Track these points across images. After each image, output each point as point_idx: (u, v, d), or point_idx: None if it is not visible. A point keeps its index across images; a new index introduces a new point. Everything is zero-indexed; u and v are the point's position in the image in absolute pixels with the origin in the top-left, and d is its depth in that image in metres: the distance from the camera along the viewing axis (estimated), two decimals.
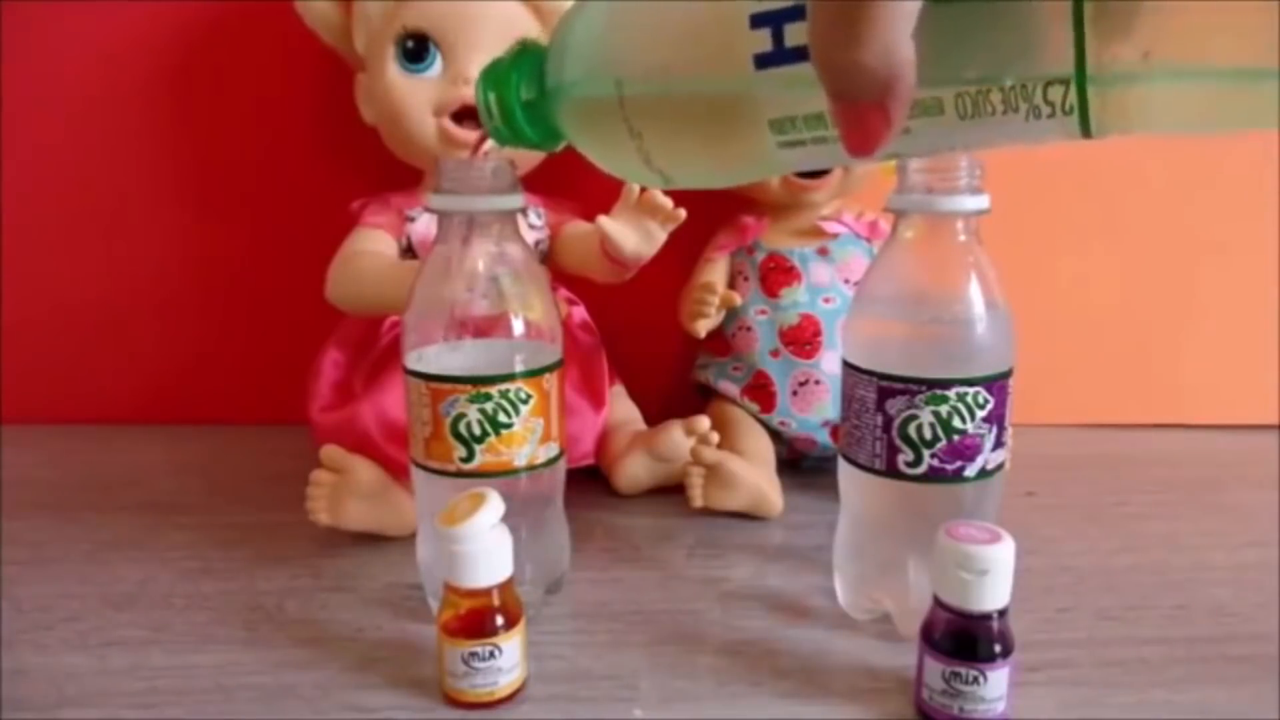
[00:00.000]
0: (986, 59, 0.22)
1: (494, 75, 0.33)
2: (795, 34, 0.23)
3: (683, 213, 0.50)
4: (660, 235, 0.51)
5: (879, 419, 0.40)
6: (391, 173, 0.61)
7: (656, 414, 0.60)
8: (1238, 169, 0.69)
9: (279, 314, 0.71)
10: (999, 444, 0.40)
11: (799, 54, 0.23)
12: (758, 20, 0.24)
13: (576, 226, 0.59)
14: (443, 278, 0.41)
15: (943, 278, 0.40)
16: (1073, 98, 0.21)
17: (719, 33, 0.25)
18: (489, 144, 0.36)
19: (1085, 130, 0.21)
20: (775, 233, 0.62)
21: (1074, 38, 0.20)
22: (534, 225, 0.59)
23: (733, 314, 0.61)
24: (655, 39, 0.27)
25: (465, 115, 0.55)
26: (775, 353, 0.60)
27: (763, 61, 0.24)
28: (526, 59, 0.32)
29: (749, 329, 0.61)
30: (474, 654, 0.36)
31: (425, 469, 0.42)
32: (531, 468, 0.42)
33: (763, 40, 0.24)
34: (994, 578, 0.34)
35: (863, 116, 0.22)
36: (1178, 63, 0.19)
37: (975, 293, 0.39)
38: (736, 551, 0.52)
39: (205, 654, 0.41)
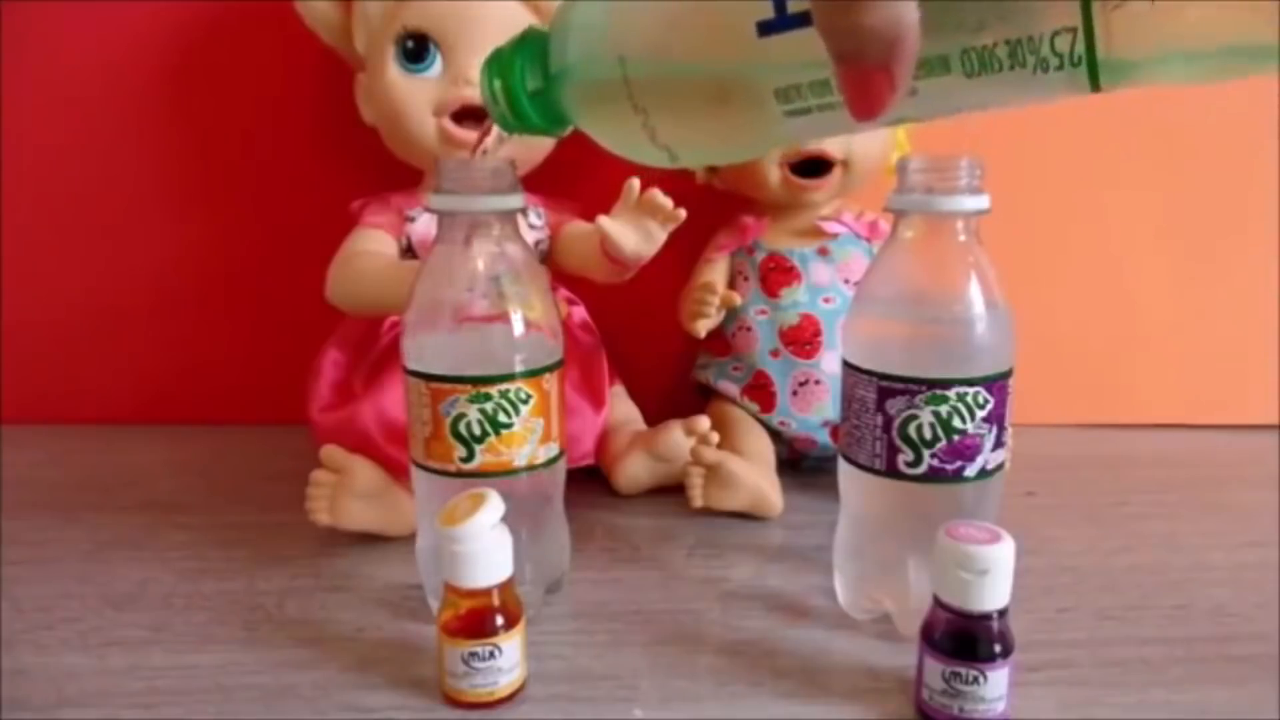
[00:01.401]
0: (992, 13, 0.21)
1: (498, 62, 0.33)
2: None
3: (683, 213, 0.50)
4: (660, 235, 0.51)
5: (879, 419, 0.40)
6: (391, 173, 0.60)
7: (656, 414, 0.60)
8: (1237, 170, 0.69)
9: (279, 314, 0.71)
10: (999, 444, 0.40)
11: (801, 19, 0.23)
12: None
13: (576, 226, 0.59)
14: (443, 278, 0.41)
15: (943, 278, 0.40)
16: (1080, 48, 0.21)
17: (720, 3, 0.25)
18: (489, 140, 0.36)
19: (1093, 81, 0.21)
20: (775, 233, 0.62)
21: None
22: (534, 225, 0.59)
23: (733, 314, 0.61)
24: (657, 13, 0.27)
25: (465, 115, 0.55)
26: (775, 353, 0.60)
27: (765, 29, 0.24)
28: (529, 44, 0.32)
29: (749, 329, 0.61)
30: (474, 654, 0.36)
31: (425, 469, 0.42)
32: (531, 468, 0.42)
33: (764, 8, 0.24)
34: (994, 578, 0.34)
35: (867, 79, 0.22)
36: (1185, 2, 0.19)
37: (975, 293, 0.39)
38: (736, 551, 0.52)
39: (205, 654, 0.41)
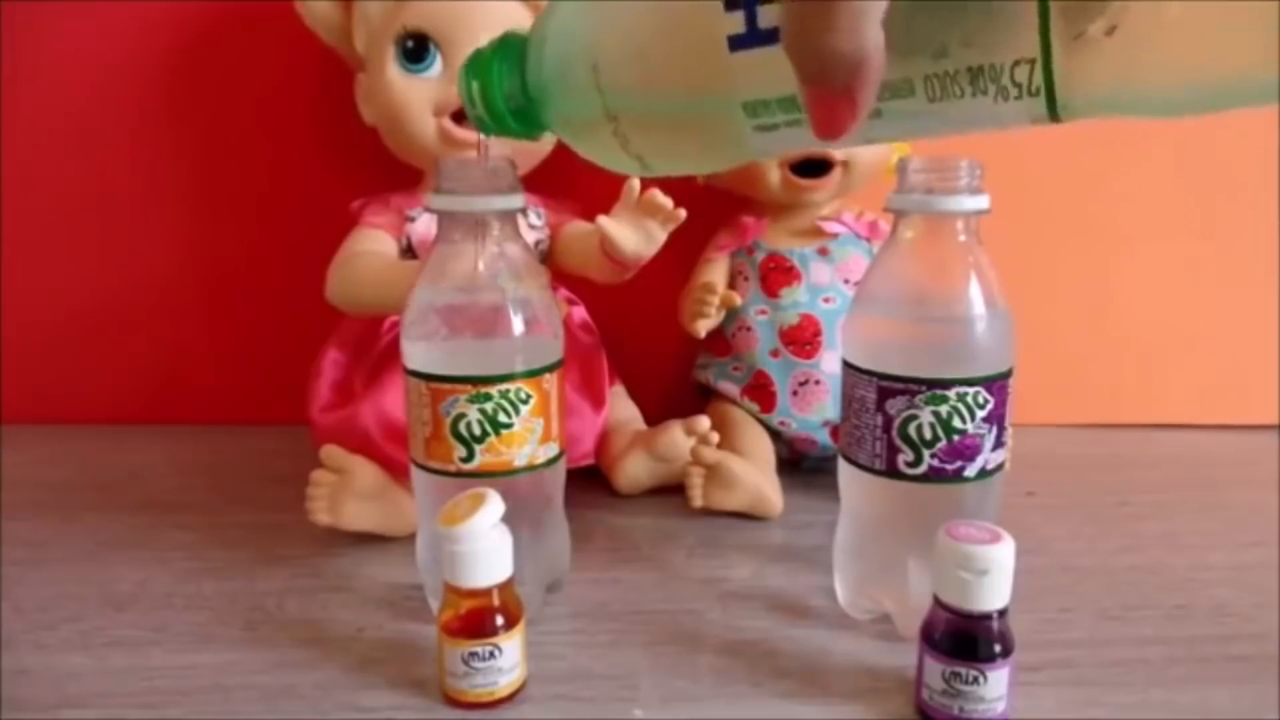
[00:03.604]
0: (954, 40, 0.22)
1: (476, 65, 0.33)
2: (768, 16, 0.24)
3: (683, 213, 0.50)
4: (660, 235, 0.51)
5: (879, 419, 0.40)
6: (391, 173, 0.60)
7: (656, 414, 0.60)
8: (1236, 171, 0.69)
9: (279, 314, 0.71)
10: (999, 444, 0.40)
11: (772, 36, 0.23)
12: (731, 2, 0.24)
13: (576, 226, 0.59)
14: (442, 277, 0.41)
15: (943, 278, 0.40)
16: (1039, 78, 0.21)
17: (694, 14, 0.25)
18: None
19: (1052, 111, 0.21)
20: (775, 233, 0.62)
21: (1039, 17, 0.20)
22: (534, 225, 0.59)
23: (733, 314, 0.61)
24: (632, 22, 0.27)
25: (465, 115, 0.55)
26: (775, 353, 0.60)
27: (736, 43, 0.25)
28: (507, 47, 0.32)
29: (749, 329, 0.61)
30: (474, 654, 0.36)
31: (425, 469, 0.42)
32: (531, 468, 0.42)
33: (736, 22, 0.24)
34: (994, 578, 0.34)
35: (831, 100, 0.22)
36: (1144, 38, 0.19)
37: (975, 293, 0.39)
38: (736, 551, 0.52)
39: (205, 654, 0.41)
